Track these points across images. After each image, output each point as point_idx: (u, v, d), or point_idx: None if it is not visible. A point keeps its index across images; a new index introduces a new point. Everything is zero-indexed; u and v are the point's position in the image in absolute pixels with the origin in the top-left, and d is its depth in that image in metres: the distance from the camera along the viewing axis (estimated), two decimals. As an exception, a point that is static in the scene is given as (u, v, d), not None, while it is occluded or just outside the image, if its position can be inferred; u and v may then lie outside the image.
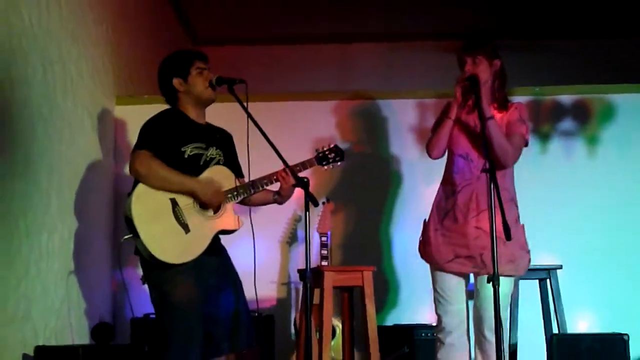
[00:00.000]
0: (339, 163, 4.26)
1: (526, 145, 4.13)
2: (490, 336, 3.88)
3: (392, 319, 5.43)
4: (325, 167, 4.24)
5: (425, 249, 4.14)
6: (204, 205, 3.89)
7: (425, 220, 4.20)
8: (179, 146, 3.88)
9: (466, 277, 4.11)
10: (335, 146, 4.26)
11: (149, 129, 3.89)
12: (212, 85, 3.96)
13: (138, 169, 3.79)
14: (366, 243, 5.57)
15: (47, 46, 4.52)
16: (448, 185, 4.13)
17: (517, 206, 4.10)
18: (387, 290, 5.47)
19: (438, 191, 4.20)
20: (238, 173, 4.12)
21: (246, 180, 4.06)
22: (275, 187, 4.08)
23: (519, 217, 4.09)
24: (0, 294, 3.91)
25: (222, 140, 4.09)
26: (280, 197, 4.12)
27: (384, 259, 5.38)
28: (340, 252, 5.53)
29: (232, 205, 3.96)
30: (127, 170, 3.91)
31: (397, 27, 8.55)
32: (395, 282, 5.49)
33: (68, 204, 4.74)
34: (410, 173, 5.62)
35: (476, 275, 4.04)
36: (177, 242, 3.80)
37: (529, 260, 4.07)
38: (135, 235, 3.74)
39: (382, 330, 4.80)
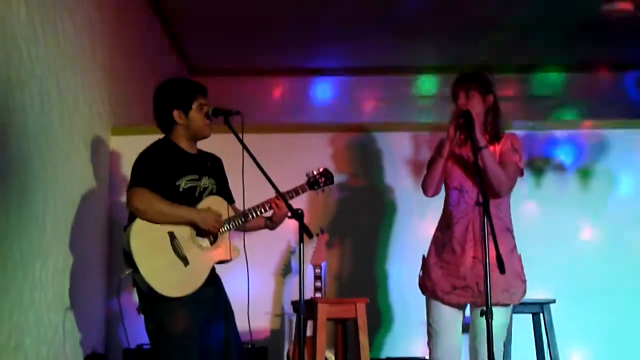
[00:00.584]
0: (330, 187, 4.32)
1: (521, 174, 4.14)
2: None
3: (385, 352, 5.41)
4: (317, 192, 4.29)
5: (425, 284, 4.14)
6: (201, 235, 3.91)
7: (424, 255, 4.20)
8: (174, 180, 3.91)
9: (462, 310, 4.10)
10: (325, 170, 4.30)
11: (143, 164, 3.91)
12: (208, 116, 3.98)
13: (137, 205, 3.81)
14: (360, 275, 5.58)
15: (44, 76, 4.54)
16: (444, 219, 4.15)
17: (513, 236, 4.10)
18: (380, 322, 5.46)
19: (437, 226, 4.21)
20: (229, 199, 4.15)
21: (238, 206, 4.10)
22: (268, 213, 4.11)
23: (515, 246, 4.09)
24: (-7, 323, 3.90)
25: (213, 167, 4.12)
26: (271, 223, 4.17)
27: (378, 291, 5.38)
28: (334, 283, 5.53)
29: (227, 235, 3.98)
30: (123, 199, 3.94)
31: (393, 60, 8.61)
32: (389, 314, 5.48)
33: (63, 233, 4.74)
34: (404, 205, 5.64)
35: (473, 306, 4.04)
36: (177, 276, 3.82)
37: (525, 290, 4.07)
38: (135, 270, 3.75)
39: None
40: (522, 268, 4.07)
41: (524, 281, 4.06)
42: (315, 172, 4.27)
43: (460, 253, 4.01)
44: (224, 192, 4.14)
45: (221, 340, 3.92)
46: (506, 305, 3.99)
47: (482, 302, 3.87)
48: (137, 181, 3.86)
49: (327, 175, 4.29)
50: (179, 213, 3.85)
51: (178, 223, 3.85)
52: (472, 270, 3.96)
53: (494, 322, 3.76)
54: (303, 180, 4.24)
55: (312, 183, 4.25)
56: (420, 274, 4.19)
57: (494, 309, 3.70)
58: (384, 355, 5.34)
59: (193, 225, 3.88)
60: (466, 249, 3.98)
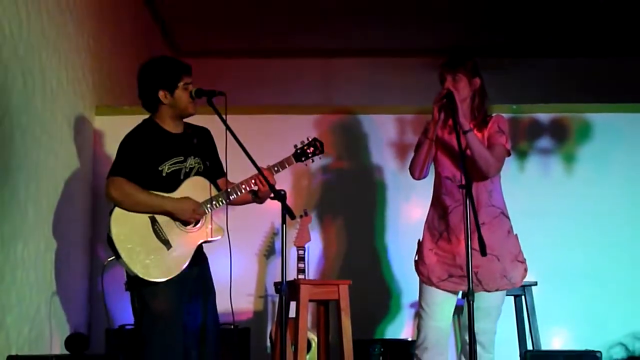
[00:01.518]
0: (319, 157, 4.24)
1: (509, 154, 4.15)
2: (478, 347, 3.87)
3: (369, 334, 5.43)
4: (305, 163, 4.23)
5: (420, 268, 4.16)
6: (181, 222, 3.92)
7: (419, 240, 4.22)
8: (156, 165, 3.91)
9: (456, 294, 4.13)
10: (315, 139, 4.23)
11: (125, 151, 3.91)
12: (191, 96, 3.97)
13: (113, 195, 3.84)
14: (344, 256, 5.59)
15: (27, 56, 4.52)
16: (439, 206, 4.15)
17: (508, 218, 4.13)
18: (364, 304, 5.47)
19: (429, 211, 4.22)
20: (219, 171, 4.13)
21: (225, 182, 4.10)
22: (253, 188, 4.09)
23: (511, 228, 4.12)
24: (-25, 302, 3.90)
25: (200, 144, 4.10)
26: (257, 198, 4.14)
27: (362, 273, 5.38)
28: (318, 265, 5.54)
29: (210, 216, 3.98)
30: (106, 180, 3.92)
31: (379, 42, 8.60)
32: (373, 296, 5.49)
33: (45, 214, 4.73)
34: (389, 187, 5.65)
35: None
36: (159, 260, 3.83)
37: (525, 270, 4.10)
38: (117, 256, 3.76)
39: (358, 343, 4.80)
40: (519, 249, 4.11)
41: (522, 261, 4.10)
42: (303, 143, 4.19)
43: (455, 243, 4.03)
44: (214, 166, 4.12)
45: (199, 320, 3.94)
46: (506, 289, 4.06)
47: (479, 289, 3.92)
48: (116, 170, 3.87)
49: (315, 144, 4.20)
50: (156, 203, 3.86)
51: (155, 213, 3.85)
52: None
53: (489, 304, 3.94)
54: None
55: (299, 155, 4.17)
56: (416, 259, 4.21)
57: (492, 296, 3.91)
58: (367, 337, 5.35)
59: (170, 215, 3.87)
60: (461, 239, 3.99)
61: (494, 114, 4.20)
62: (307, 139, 4.22)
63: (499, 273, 4.01)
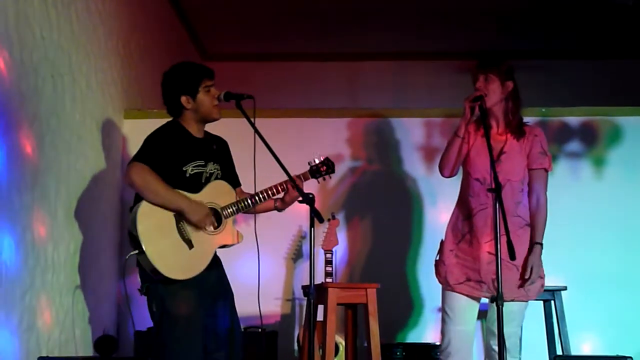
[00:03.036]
0: (330, 176, 4.32)
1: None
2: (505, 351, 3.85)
3: (396, 338, 5.42)
4: (318, 181, 4.30)
5: (439, 269, 4.15)
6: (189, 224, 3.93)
7: (442, 240, 4.20)
8: (180, 165, 3.92)
9: (477, 300, 4.11)
10: (327, 159, 4.29)
11: (152, 144, 3.91)
12: (219, 100, 3.98)
13: (134, 178, 3.81)
14: (372, 260, 5.57)
15: (57, 59, 4.55)
16: (464, 208, 4.13)
17: None
18: (391, 307, 5.46)
19: (454, 212, 4.21)
20: (235, 182, 4.17)
21: (248, 189, 4.11)
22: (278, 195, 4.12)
23: None
24: (6, 304, 3.92)
25: (219, 151, 4.12)
26: (282, 204, 4.16)
27: (389, 276, 5.36)
28: (346, 269, 5.54)
29: (232, 220, 3.98)
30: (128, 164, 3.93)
31: (407, 46, 8.59)
32: (400, 300, 5.47)
33: (74, 216, 4.76)
34: (416, 191, 5.63)
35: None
36: (181, 258, 3.83)
37: (542, 285, 4.08)
38: (141, 251, 3.76)
39: (381, 347, 4.78)
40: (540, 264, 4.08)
41: (542, 276, 4.07)
42: (317, 161, 4.27)
43: (477, 246, 4.02)
44: (230, 175, 4.15)
45: (226, 324, 3.95)
46: (522, 301, 4.03)
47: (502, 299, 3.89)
48: (142, 157, 3.86)
49: (328, 164, 4.28)
50: (172, 198, 3.84)
51: (168, 207, 3.85)
52: (489, 266, 3.95)
53: (512, 309, 3.89)
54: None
55: (314, 171, 4.25)
56: (437, 259, 4.20)
57: (511, 303, 3.88)
58: (390, 341, 5.33)
59: (181, 214, 3.86)
60: (482, 244, 3.98)
61: (528, 122, 4.19)
62: (320, 158, 4.28)
63: (517, 283, 4.00)
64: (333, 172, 4.31)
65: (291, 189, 4.02)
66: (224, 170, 4.09)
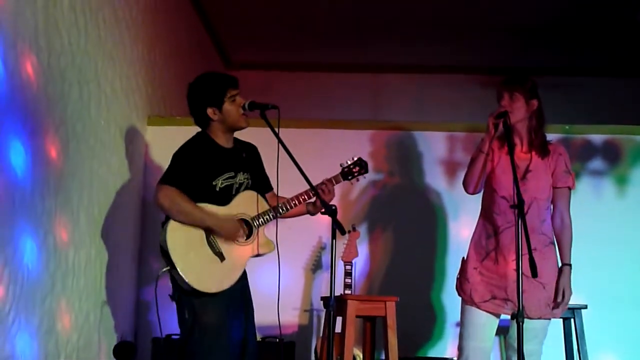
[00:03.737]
0: (364, 176, 4.31)
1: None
2: None
3: (414, 352, 5.39)
4: (351, 182, 4.29)
5: (463, 286, 4.13)
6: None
7: (463, 258, 4.19)
8: (210, 180, 3.95)
9: (498, 317, 4.10)
10: (359, 159, 4.29)
11: (180, 162, 3.94)
12: (244, 109, 4.00)
13: (162, 202, 3.87)
14: (391, 273, 5.56)
15: (84, 65, 4.58)
16: (489, 225, 4.11)
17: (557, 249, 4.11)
18: (410, 321, 5.44)
19: (476, 229, 4.19)
20: (266, 186, 4.19)
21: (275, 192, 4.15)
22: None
23: (558, 259, 4.09)
24: (26, 307, 3.93)
25: (249, 159, 4.13)
26: (314, 208, 4.17)
27: (409, 290, 5.34)
28: (365, 281, 5.53)
29: (263, 229, 3.99)
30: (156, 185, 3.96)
31: (430, 59, 8.59)
32: (419, 313, 5.45)
33: (96, 222, 4.78)
34: (437, 205, 5.62)
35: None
36: (213, 272, 3.86)
37: (566, 304, 4.08)
38: (172, 266, 3.79)
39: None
40: None
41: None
42: (349, 162, 4.27)
43: (503, 264, 4.00)
44: (261, 181, 4.16)
45: (240, 337, 3.96)
46: (548, 319, 4.03)
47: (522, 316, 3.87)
48: (169, 178, 3.90)
49: (361, 164, 4.27)
50: (198, 217, 3.88)
51: (198, 226, 3.87)
52: (515, 284, 3.91)
53: (535, 326, 3.91)
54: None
55: (346, 173, 4.24)
56: (458, 277, 4.18)
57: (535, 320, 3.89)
58: (409, 355, 5.31)
59: (213, 231, 3.89)
60: (509, 261, 3.96)
61: (551, 141, 4.18)
62: (353, 159, 4.28)
63: (544, 301, 3.99)
64: (366, 172, 4.30)
65: (322, 194, 4.03)
66: (254, 178, 4.10)
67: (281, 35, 8.20)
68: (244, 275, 4.06)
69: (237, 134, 4.15)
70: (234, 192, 4.00)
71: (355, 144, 5.64)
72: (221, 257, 3.88)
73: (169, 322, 4.10)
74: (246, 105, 3.99)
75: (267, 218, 4.00)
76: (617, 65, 8.44)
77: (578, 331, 4.98)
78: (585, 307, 5.00)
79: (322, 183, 4.10)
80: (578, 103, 8.22)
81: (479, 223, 4.19)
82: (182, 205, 3.85)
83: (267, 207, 4.04)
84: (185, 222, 3.86)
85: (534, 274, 3.63)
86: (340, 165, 4.24)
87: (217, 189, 3.95)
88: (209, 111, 3.99)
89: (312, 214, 4.21)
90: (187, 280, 3.79)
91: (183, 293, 3.88)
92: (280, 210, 4.03)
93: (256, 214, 3.99)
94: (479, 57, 8.41)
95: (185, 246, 3.84)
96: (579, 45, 8.04)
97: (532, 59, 8.27)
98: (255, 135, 4.20)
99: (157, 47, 6.10)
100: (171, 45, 6.55)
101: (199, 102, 4.02)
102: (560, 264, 4.07)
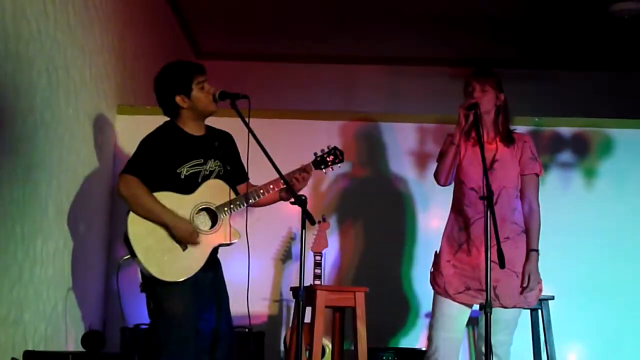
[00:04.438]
0: (338, 165, 4.24)
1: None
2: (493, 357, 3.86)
3: (383, 342, 5.41)
4: (325, 171, 4.23)
5: (437, 280, 4.15)
6: (200, 219, 3.91)
7: (436, 252, 4.21)
8: (175, 168, 3.91)
9: (470, 307, 4.12)
10: (335, 148, 4.22)
11: (143, 151, 3.92)
12: (214, 99, 3.98)
13: (122, 191, 3.87)
14: (361, 264, 5.57)
15: (52, 53, 4.53)
16: (460, 217, 4.14)
17: None
18: (380, 312, 5.45)
19: (448, 222, 4.22)
20: (242, 175, 4.15)
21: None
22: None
23: None
24: (-7, 297, 3.92)
25: (222, 147, 4.10)
26: (287, 195, 4.06)
27: (378, 281, 5.36)
28: (335, 272, 5.54)
29: (228, 219, 3.98)
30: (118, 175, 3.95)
31: (401, 51, 8.60)
32: (389, 304, 5.46)
33: (65, 211, 4.75)
34: (407, 196, 5.64)
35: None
36: (174, 261, 3.84)
37: (540, 290, 4.13)
38: (133, 254, 3.77)
39: (371, 351, 4.79)
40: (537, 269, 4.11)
41: (539, 281, 4.11)
42: (324, 150, 4.20)
43: (476, 255, 4.03)
44: (237, 170, 4.13)
45: (212, 325, 3.95)
46: (522, 307, 4.09)
47: (496, 305, 3.90)
48: (132, 169, 3.88)
49: (336, 153, 4.20)
50: (157, 212, 3.85)
51: (155, 221, 3.86)
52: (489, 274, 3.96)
53: (507, 317, 3.98)
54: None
55: (319, 162, 4.17)
56: (432, 270, 4.20)
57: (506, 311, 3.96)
58: (381, 345, 5.34)
59: (167, 228, 3.87)
60: (482, 252, 3.97)
61: (516, 129, 4.22)
62: (328, 147, 4.22)
63: (518, 290, 4.02)
64: (342, 161, 4.21)
65: (295, 182, 4.00)
66: (227, 166, 4.06)
67: (253, 26, 8.16)
68: (215, 266, 4.04)
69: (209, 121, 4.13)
70: (200, 180, 3.97)
71: (326, 134, 5.61)
72: (183, 246, 3.87)
73: (139, 310, 4.09)
74: (217, 95, 3.98)
75: (233, 207, 3.98)
76: (587, 58, 8.49)
77: (545, 322, 5.03)
78: (553, 297, 5.04)
79: (296, 171, 4.08)
80: (547, 95, 8.26)
81: (450, 216, 4.22)
82: (141, 198, 3.84)
83: (233, 196, 4.02)
84: (143, 215, 3.85)
85: (502, 264, 3.67)
86: (314, 154, 4.20)
87: (182, 177, 3.92)
88: (178, 99, 3.97)
89: (285, 200, 4.13)
90: (148, 269, 3.78)
91: (148, 283, 3.87)
92: (249, 199, 4.00)
93: (221, 202, 3.97)
94: (450, 49, 8.42)
95: (146, 235, 3.82)
96: (549, 38, 8.08)
97: (502, 51, 8.30)
98: (225, 124, 4.19)
99: (127, 36, 6.06)
100: (142, 35, 6.50)
101: (167, 90, 3.99)
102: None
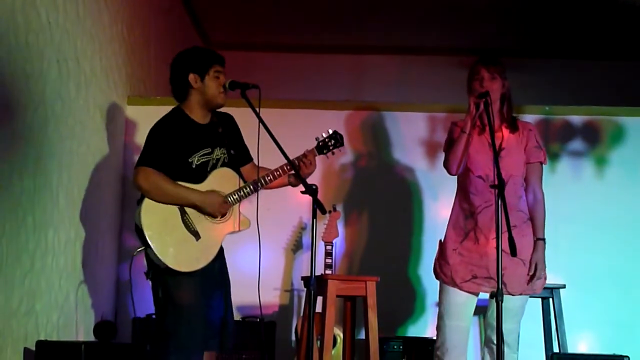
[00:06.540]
0: (340, 149, 4.25)
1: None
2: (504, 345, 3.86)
3: (395, 332, 5.42)
4: (327, 155, 4.24)
5: (443, 269, 4.14)
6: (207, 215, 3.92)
7: (440, 240, 4.21)
8: (186, 157, 3.92)
9: (477, 295, 4.12)
10: (335, 132, 4.22)
11: (154, 141, 3.91)
12: (225, 88, 3.98)
13: (142, 184, 3.85)
14: (372, 253, 5.57)
15: (62, 43, 4.54)
16: (467, 205, 4.14)
17: None
18: (391, 301, 5.45)
19: (453, 210, 4.21)
20: (246, 157, 4.16)
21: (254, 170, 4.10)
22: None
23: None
24: (5, 287, 3.92)
25: (226, 132, 4.09)
26: (296, 181, 4.09)
27: (389, 270, 5.36)
28: (346, 261, 5.54)
29: (238, 206, 3.98)
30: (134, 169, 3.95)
31: (410, 40, 8.58)
32: (400, 293, 5.47)
33: (76, 201, 4.76)
34: (417, 185, 5.63)
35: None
36: (189, 250, 3.85)
37: (545, 279, 4.12)
38: (147, 245, 3.78)
39: (379, 340, 4.78)
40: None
41: (544, 269, 4.10)
42: (324, 135, 4.21)
43: (484, 243, 4.02)
44: (240, 152, 4.13)
45: (220, 316, 3.97)
46: (529, 295, 4.09)
47: (504, 292, 3.87)
48: (145, 160, 3.88)
49: (336, 137, 4.21)
50: (183, 195, 3.86)
51: (182, 205, 3.86)
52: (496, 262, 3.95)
53: (514, 304, 3.95)
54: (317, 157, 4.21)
55: (322, 147, 4.18)
56: (437, 260, 4.20)
57: (517, 297, 3.95)
58: (389, 335, 5.33)
59: (197, 208, 3.88)
60: (490, 240, 3.98)
61: (524, 120, 4.22)
62: (328, 132, 4.23)
63: (524, 278, 4.03)
64: (342, 144, 4.22)
65: (303, 166, 4.02)
66: (230, 151, 4.06)
67: (262, 16, 8.15)
68: (221, 254, 4.05)
69: None
70: (209, 169, 3.97)
71: (335, 124, 5.55)
72: (197, 235, 3.87)
73: (151, 301, 4.08)
74: (227, 85, 3.98)
75: (242, 194, 3.98)
76: (598, 47, 8.45)
77: (556, 310, 5.03)
78: (564, 286, 5.04)
79: (302, 156, 4.08)
80: (558, 84, 8.23)
81: (455, 204, 4.21)
82: (162, 187, 3.84)
83: (242, 183, 4.02)
84: (167, 203, 3.85)
85: (513, 253, 3.65)
86: (316, 139, 4.20)
87: (194, 166, 3.93)
88: (191, 77, 3.96)
89: (294, 185, 4.14)
90: (162, 260, 3.78)
91: (157, 271, 3.86)
92: (257, 185, 4.00)
93: (231, 191, 3.97)
94: (459, 39, 8.40)
95: (160, 225, 3.82)
96: (560, 27, 8.04)
97: (513, 40, 8.27)
98: (235, 114, 4.19)
99: (137, 26, 6.05)
100: (151, 25, 6.50)
101: (183, 67, 3.98)
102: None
